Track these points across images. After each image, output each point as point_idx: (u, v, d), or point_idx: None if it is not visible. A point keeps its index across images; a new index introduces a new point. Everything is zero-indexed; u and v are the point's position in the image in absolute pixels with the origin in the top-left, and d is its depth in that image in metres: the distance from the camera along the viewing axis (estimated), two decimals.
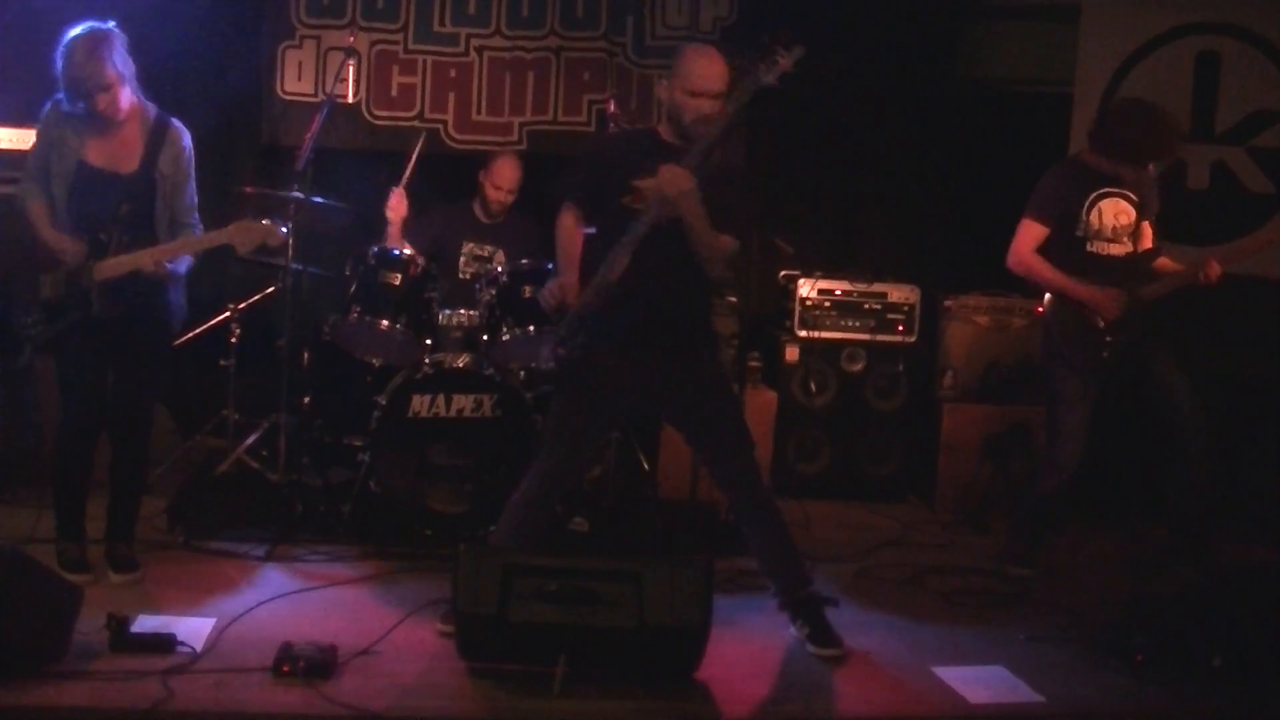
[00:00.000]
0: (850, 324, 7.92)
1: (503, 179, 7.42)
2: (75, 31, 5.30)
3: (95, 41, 5.26)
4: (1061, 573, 6.58)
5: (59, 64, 5.30)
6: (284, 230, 5.44)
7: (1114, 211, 6.21)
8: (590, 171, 5.38)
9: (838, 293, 7.92)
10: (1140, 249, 6.30)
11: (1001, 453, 7.62)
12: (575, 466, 5.62)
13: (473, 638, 4.86)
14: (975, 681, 5.11)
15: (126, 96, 5.39)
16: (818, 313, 7.90)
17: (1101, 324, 6.15)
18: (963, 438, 7.78)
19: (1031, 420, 7.66)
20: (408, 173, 7.28)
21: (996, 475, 7.58)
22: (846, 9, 8.36)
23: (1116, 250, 6.24)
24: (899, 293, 7.95)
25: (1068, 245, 6.23)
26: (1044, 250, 6.26)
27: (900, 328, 7.94)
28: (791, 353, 7.90)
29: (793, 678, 5.12)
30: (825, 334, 7.91)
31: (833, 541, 6.98)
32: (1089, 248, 6.22)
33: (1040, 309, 6.43)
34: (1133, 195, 6.24)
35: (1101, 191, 6.21)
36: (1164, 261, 6.34)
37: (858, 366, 7.94)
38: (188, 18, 7.71)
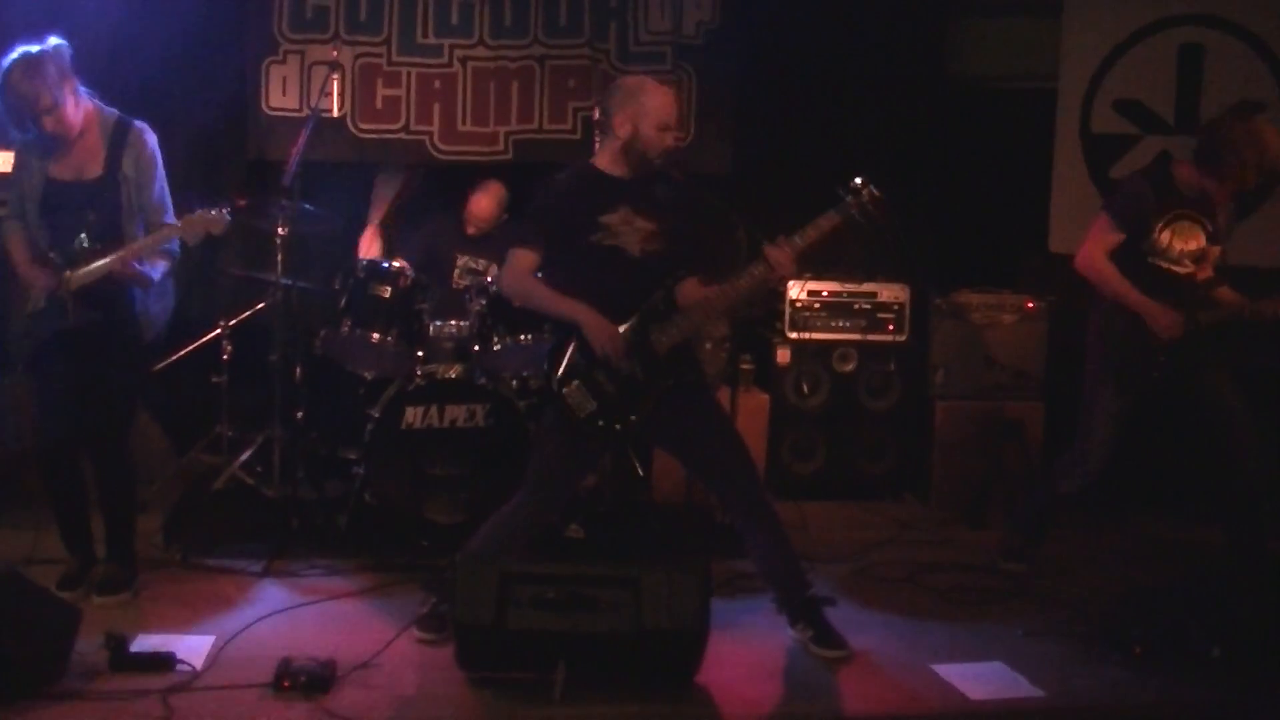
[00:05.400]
0: (841, 324, 7.93)
1: (475, 214, 7.57)
2: (8, 60, 5.26)
3: (27, 68, 5.22)
4: (1058, 567, 6.59)
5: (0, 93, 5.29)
6: (226, 214, 5.41)
7: (1185, 236, 6.06)
8: (548, 215, 5.29)
9: (827, 293, 7.92)
10: (1202, 274, 6.18)
11: (995, 448, 7.64)
12: (561, 498, 5.61)
13: (471, 647, 4.86)
14: (975, 678, 5.12)
15: (73, 111, 5.37)
16: (808, 314, 7.90)
17: (1157, 342, 6.03)
18: (956, 434, 7.79)
19: (1024, 416, 7.69)
20: (381, 213, 7.31)
21: (990, 471, 7.59)
22: (832, 8, 8.38)
23: (1179, 270, 6.10)
24: (889, 292, 7.96)
25: (1131, 254, 6.11)
26: (1112, 255, 6.15)
27: (891, 327, 7.95)
28: (783, 354, 7.91)
29: (793, 679, 5.13)
30: (816, 335, 7.91)
31: (829, 541, 6.98)
32: (1151, 259, 6.09)
33: (1096, 316, 6.29)
34: (1207, 222, 6.09)
35: (1179, 212, 6.06)
36: (1225, 291, 6.19)
37: (850, 366, 7.95)
38: (171, 34, 7.72)
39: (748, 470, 5.40)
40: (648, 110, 5.20)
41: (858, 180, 5.14)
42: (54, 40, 5.38)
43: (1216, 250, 6.17)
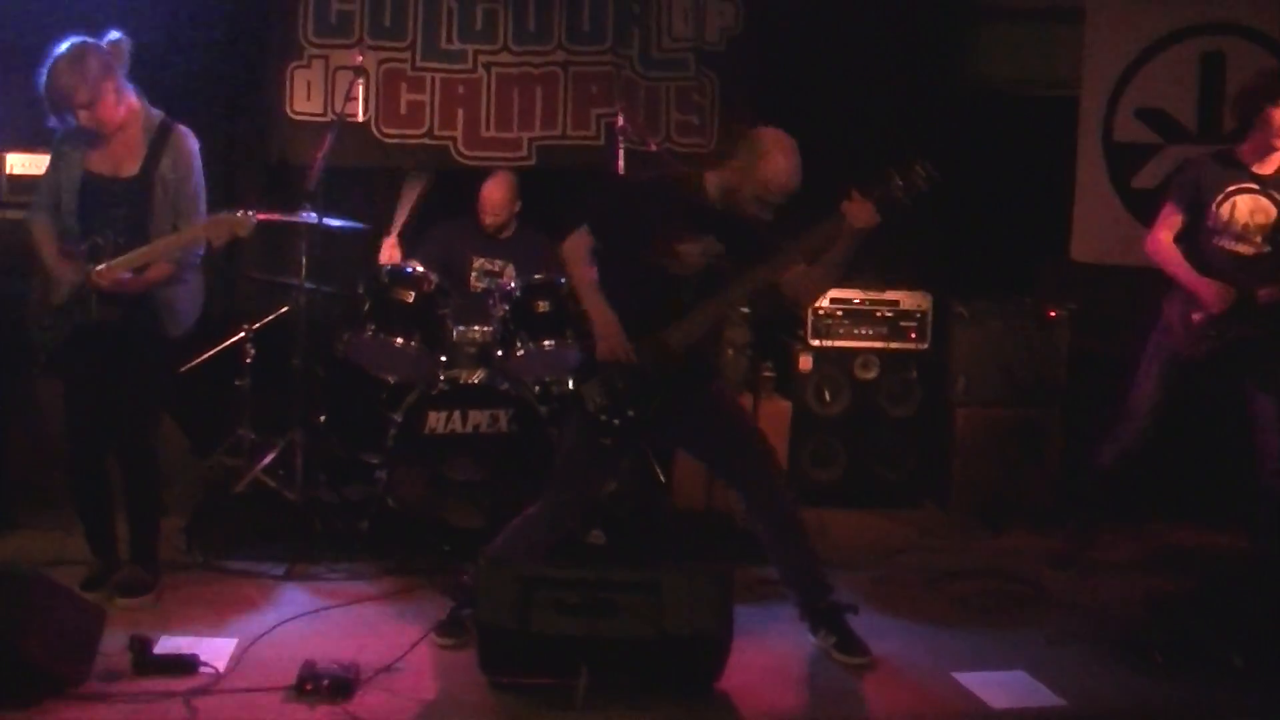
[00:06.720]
0: (863, 332, 7.92)
1: (488, 202, 7.56)
2: (57, 49, 5.31)
3: (71, 61, 5.26)
4: (1080, 574, 6.59)
5: (42, 80, 5.30)
6: (253, 217, 5.43)
7: (1250, 209, 6.09)
8: (622, 207, 5.33)
9: (850, 301, 7.91)
10: (1272, 252, 6.15)
11: (1015, 456, 7.64)
12: (583, 502, 5.62)
13: (494, 651, 4.87)
14: (996, 686, 5.12)
15: (112, 108, 5.38)
16: (830, 321, 7.90)
17: (1209, 318, 6.08)
18: (977, 442, 7.78)
19: (1045, 423, 7.68)
20: (401, 222, 7.32)
21: (1011, 478, 7.58)
22: (850, 13, 8.38)
23: (1243, 249, 6.13)
24: (911, 299, 7.95)
25: (1194, 235, 6.19)
26: (1178, 237, 6.23)
27: (913, 334, 7.94)
28: (805, 362, 7.90)
29: (814, 686, 5.13)
30: (838, 342, 7.91)
31: (850, 548, 6.97)
32: (1214, 241, 6.15)
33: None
34: (1276, 194, 6.12)
35: (1241, 186, 6.11)
36: None
37: (871, 374, 7.94)
38: (195, 39, 7.75)
39: (768, 473, 5.42)
40: (760, 178, 5.10)
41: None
42: (113, 35, 5.44)
43: None
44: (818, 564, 5.46)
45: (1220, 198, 6.10)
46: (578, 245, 5.32)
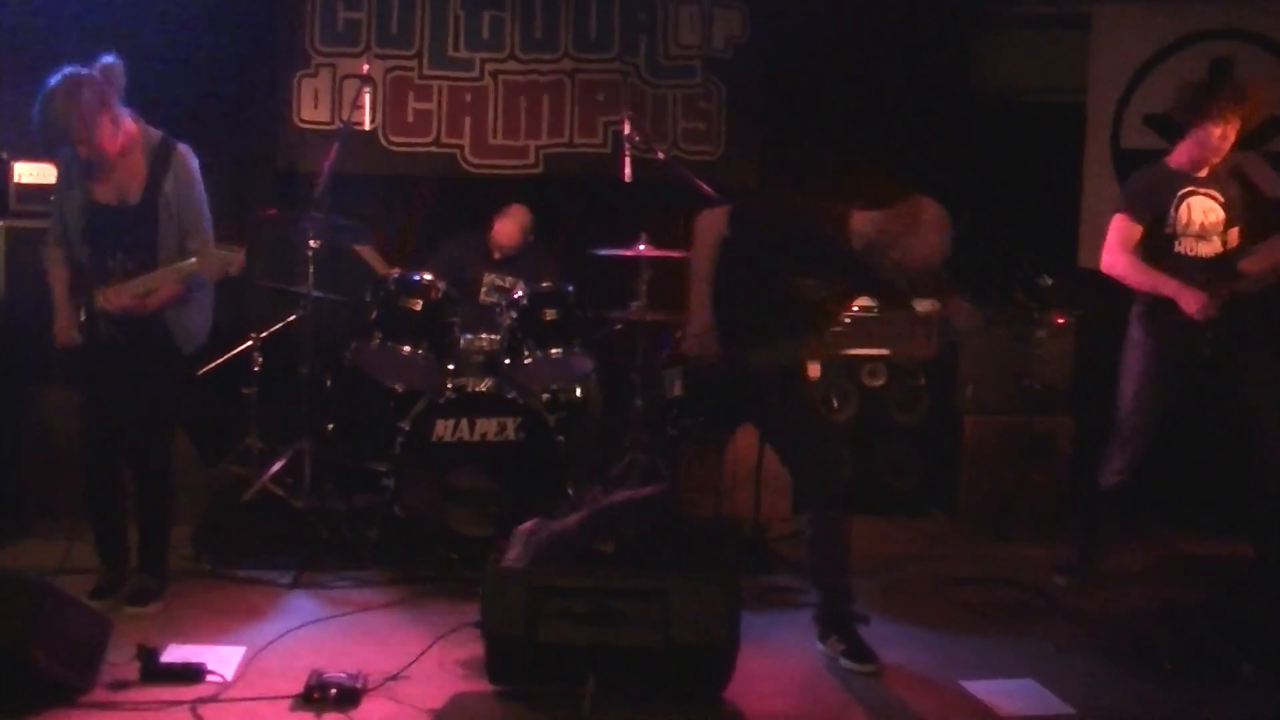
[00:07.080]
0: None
1: (500, 239, 7.66)
2: (51, 82, 5.23)
3: (66, 95, 5.20)
4: (1088, 582, 6.57)
5: (36, 115, 5.25)
6: (242, 258, 5.43)
7: (1202, 209, 6.15)
8: (771, 218, 5.34)
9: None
10: (1229, 250, 6.19)
11: (1023, 463, 7.62)
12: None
13: (501, 660, 4.86)
14: (1004, 694, 5.10)
15: (110, 138, 5.35)
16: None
17: (1199, 320, 6.05)
18: (984, 449, 7.77)
19: (1053, 431, 7.67)
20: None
21: (1019, 485, 7.57)
22: (858, 21, 8.39)
23: (1205, 250, 6.16)
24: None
25: (1156, 244, 6.19)
26: (1135, 252, 6.24)
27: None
28: (813, 369, 7.87)
29: (822, 694, 5.11)
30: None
31: (857, 556, 6.82)
32: (1177, 247, 6.16)
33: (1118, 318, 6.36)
34: (1218, 195, 6.17)
35: (1187, 189, 6.16)
36: (1246, 264, 6.17)
37: (879, 381, 7.94)
38: (202, 48, 7.77)
39: (808, 473, 5.45)
40: (908, 249, 5.04)
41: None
42: (105, 60, 5.39)
43: (1239, 227, 6.22)
44: (843, 570, 5.45)
45: (1175, 201, 6.14)
46: (712, 224, 5.31)
